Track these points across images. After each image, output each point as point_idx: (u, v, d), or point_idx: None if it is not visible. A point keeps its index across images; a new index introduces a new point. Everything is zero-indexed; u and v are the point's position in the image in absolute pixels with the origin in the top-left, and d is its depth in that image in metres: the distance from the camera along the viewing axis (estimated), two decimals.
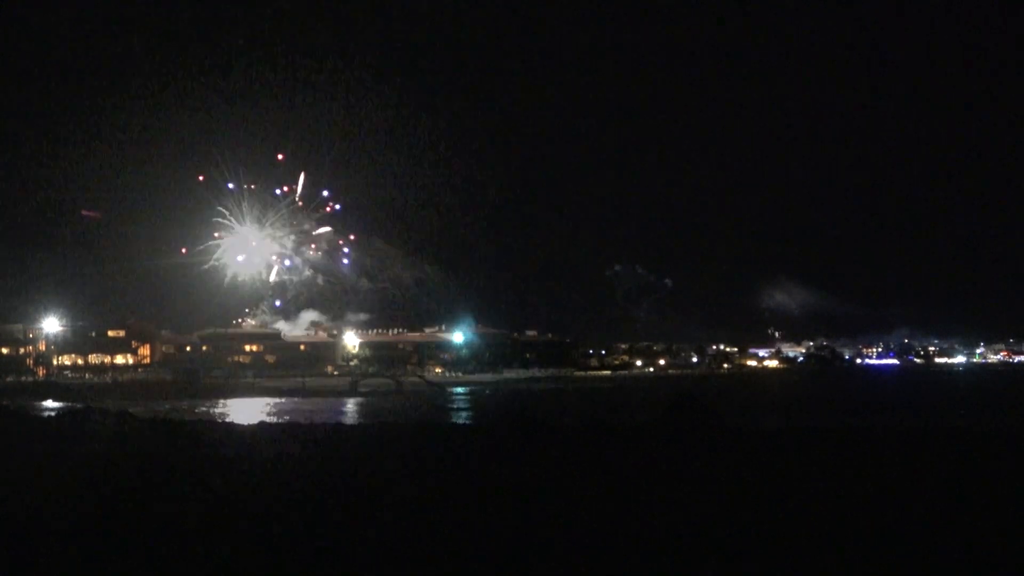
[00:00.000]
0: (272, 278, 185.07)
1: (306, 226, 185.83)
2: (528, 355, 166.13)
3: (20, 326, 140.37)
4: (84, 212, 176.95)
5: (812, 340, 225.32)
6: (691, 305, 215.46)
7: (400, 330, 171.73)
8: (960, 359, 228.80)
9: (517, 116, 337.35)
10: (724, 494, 15.47)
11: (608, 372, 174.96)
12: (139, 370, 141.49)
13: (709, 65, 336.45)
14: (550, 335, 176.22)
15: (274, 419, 50.92)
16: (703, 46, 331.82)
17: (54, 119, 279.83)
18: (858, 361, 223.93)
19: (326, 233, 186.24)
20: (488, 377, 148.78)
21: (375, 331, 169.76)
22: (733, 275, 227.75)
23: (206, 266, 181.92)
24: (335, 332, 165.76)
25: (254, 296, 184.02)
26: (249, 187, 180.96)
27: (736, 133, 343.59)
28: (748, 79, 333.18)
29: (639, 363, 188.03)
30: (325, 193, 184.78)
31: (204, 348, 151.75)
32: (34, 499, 15.58)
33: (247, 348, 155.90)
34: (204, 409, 78.23)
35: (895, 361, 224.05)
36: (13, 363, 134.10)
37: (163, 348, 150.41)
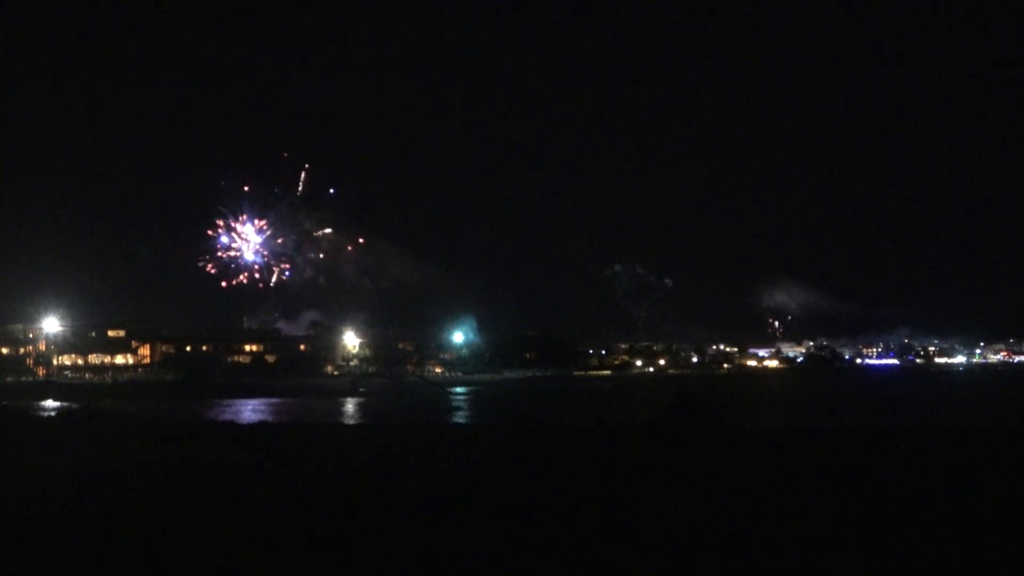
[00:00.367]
0: (273, 278, 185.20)
1: (307, 225, 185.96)
2: (528, 355, 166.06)
3: (20, 326, 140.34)
4: None
5: (812, 340, 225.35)
6: (691, 305, 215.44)
7: (400, 330, 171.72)
8: (960, 359, 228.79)
9: (518, 116, 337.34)
10: (724, 494, 15.47)
11: (608, 372, 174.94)
12: (139, 370, 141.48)
13: (709, 65, 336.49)
14: (550, 335, 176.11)
15: (274, 419, 50.91)
16: (703, 46, 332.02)
17: (54, 119, 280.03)
18: (858, 361, 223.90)
19: (328, 234, 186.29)
20: (488, 377, 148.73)
21: (375, 331, 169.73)
22: (733, 275, 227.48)
23: (207, 266, 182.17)
24: (335, 332, 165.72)
25: (255, 296, 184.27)
26: (249, 186, 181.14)
27: (736, 133, 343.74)
28: (748, 79, 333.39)
29: (639, 363, 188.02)
30: (331, 191, 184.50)
31: (204, 348, 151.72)
32: (34, 500, 15.57)
33: (247, 348, 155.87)
34: (204, 409, 78.18)
35: (895, 361, 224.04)
36: (13, 363, 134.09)
37: (163, 348, 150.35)
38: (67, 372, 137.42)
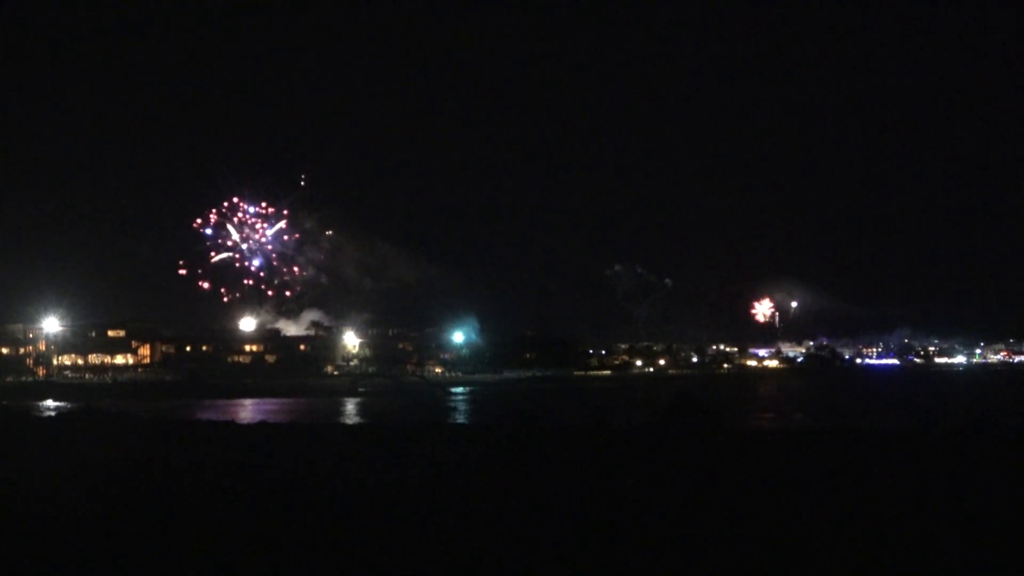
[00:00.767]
0: (275, 278, 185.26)
1: (307, 225, 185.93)
2: (528, 355, 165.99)
3: (20, 326, 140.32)
4: None
5: (812, 340, 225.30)
6: (691, 305, 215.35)
7: (400, 330, 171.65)
8: (960, 359, 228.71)
9: (518, 116, 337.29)
10: (723, 495, 15.47)
11: (608, 372, 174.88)
12: (139, 370, 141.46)
13: (709, 65, 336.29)
14: (550, 335, 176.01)
15: (274, 419, 50.93)
16: (703, 46, 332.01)
17: (55, 120, 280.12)
18: (858, 361, 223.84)
19: (329, 235, 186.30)
20: (488, 377, 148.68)
21: (375, 331, 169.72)
22: (733, 275, 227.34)
23: (208, 264, 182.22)
24: (335, 332, 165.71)
25: (255, 296, 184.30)
26: (250, 187, 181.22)
27: (736, 133, 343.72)
28: (748, 78, 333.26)
29: (639, 363, 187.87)
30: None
31: (204, 348, 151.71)
32: (34, 499, 15.58)
33: (247, 348, 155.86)
34: (204, 409, 78.17)
35: (895, 361, 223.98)
36: (13, 363, 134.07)
37: (163, 348, 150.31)
38: (67, 372, 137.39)
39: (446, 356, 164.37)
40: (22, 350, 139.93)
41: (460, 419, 66.41)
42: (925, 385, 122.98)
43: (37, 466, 20.18)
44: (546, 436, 25.57)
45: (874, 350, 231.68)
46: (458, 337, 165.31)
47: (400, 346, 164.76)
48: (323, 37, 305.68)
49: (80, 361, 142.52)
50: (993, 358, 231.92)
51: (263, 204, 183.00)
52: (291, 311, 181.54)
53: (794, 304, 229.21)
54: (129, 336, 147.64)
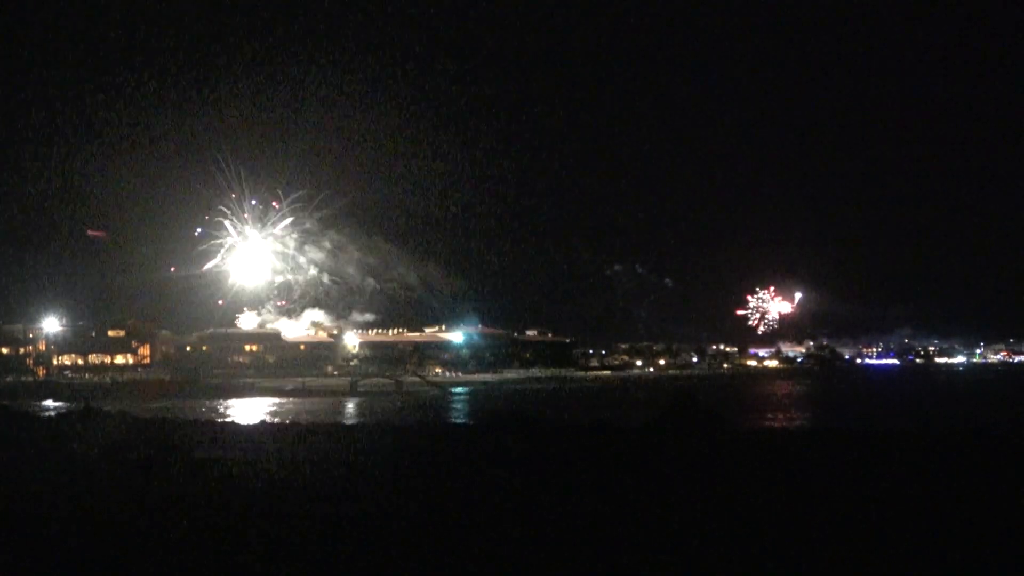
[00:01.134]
0: (276, 278, 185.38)
1: (308, 225, 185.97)
2: (528, 355, 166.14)
3: (20, 326, 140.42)
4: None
5: (813, 340, 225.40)
6: (691, 305, 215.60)
7: (400, 330, 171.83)
8: (960, 359, 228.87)
9: (518, 116, 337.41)
10: (724, 495, 15.47)
11: (608, 372, 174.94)
12: (139, 370, 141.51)
13: (709, 65, 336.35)
14: (550, 335, 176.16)
15: (274, 419, 50.92)
16: (703, 46, 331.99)
17: (55, 120, 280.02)
18: (858, 361, 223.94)
19: (331, 232, 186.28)
20: (488, 377, 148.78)
21: (375, 331, 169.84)
22: (733, 275, 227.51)
23: (207, 267, 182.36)
24: (335, 332, 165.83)
25: (256, 297, 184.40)
26: (251, 186, 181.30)
27: (736, 133, 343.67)
28: (749, 80, 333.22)
29: (639, 363, 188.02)
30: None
31: (204, 348, 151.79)
32: (34, 499, 15.58)
33: (247, 348, 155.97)
34: (204, 409, 78.17)
35: (895, 361, 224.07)
36: (13, 363, 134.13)
37: (163, 348, 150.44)
38: (67, 372, 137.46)
39: (446, 356, 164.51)
40: (22, 350, 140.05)
41: (459, 419, 66.39)
42: (924, 385, 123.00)
43: (37, 466, 20.17)
44: (546, 436, 25.56)
45: (874, 350, 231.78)
46: (458, 337, 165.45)
47: (400, 346, 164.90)
48: (324, 37, 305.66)
49: (80, 361, 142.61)
50: (993, 358, 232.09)
51: (263, 204, 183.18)
52: (292, 311, 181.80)
53: (798, 295, 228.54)
54: (129, 336, 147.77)
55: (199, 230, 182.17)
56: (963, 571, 11.07)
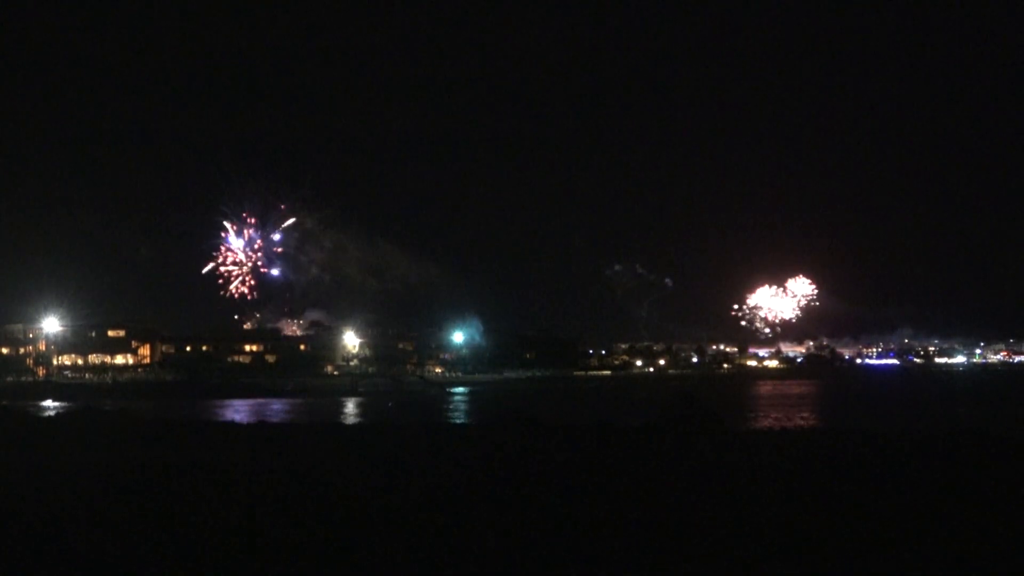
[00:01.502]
0: (277, 278, 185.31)
1: (309, 225, 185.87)
2: (528, 355, 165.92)
3: (20, 326, 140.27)
4: None
5: (813, 340, 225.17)
6: (691, 305, 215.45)
7: (400, 330, 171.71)
8: (960, 359, 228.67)
9: (519, 116, 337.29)
10: (723, 494, 15.46)
11: (608, 372, 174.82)
12: (139, 370, 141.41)
13: (709, 64, 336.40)
14: (550, 335, 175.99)
15: (273, 419, 50.92)
16: (703, 45, 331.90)
17: (55, 121, 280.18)
18: (858, 361, 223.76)
19: (331, 232, 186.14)
20: (488, 377, 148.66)
21: (375, 331, 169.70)
22: (733, 275, 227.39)
23: (208, 266, 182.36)
24: (335, 332, 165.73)
25: (257, 296, 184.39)
26: (251, 186, 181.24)
27: (737, 132, 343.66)
28: (748, 77, 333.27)
29: (639, 363, 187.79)
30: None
31: (204, 348, 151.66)
32: (34, 499, 15.57)
33: (247, 348, 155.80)
34: (204, 409, 78.15)
35: (895, 361, 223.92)
36: (13, 363, 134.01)
37: (163, 348, 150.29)
38: (67, 372, 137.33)
39: (446, 356, 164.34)
40: (22, 350, 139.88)
41: (459, 419, 66.38)
42: (924, 385, 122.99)
43: (37, 466, 20.16)
44: (546, 436, 25.57)
45: (874, 350, 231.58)
46: (458, 337, 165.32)
47: (400, 346, 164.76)
48: (325, 37, 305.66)
49: (80, 361, 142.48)
50: (993, 358, 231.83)
51: (264, 204, 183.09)
52: (293, 311, 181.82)
53: (799, 294, 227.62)
54: (129, 336, 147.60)
55: (200, 230, 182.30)
56: (963, 571, 11.07)
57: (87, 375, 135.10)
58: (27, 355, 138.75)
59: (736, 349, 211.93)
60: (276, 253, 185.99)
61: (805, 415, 65.72)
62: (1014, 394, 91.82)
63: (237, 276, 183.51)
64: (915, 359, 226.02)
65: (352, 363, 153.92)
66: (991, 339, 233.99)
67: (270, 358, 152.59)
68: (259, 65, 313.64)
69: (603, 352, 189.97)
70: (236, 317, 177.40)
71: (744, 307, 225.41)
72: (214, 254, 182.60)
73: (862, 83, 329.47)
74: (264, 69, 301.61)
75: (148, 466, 19.56)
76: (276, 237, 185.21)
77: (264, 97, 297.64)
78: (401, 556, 11.70)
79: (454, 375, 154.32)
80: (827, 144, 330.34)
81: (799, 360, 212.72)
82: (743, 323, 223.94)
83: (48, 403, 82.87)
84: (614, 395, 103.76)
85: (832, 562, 11.33)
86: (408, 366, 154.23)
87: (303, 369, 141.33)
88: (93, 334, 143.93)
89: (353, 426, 48.25)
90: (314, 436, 28.98)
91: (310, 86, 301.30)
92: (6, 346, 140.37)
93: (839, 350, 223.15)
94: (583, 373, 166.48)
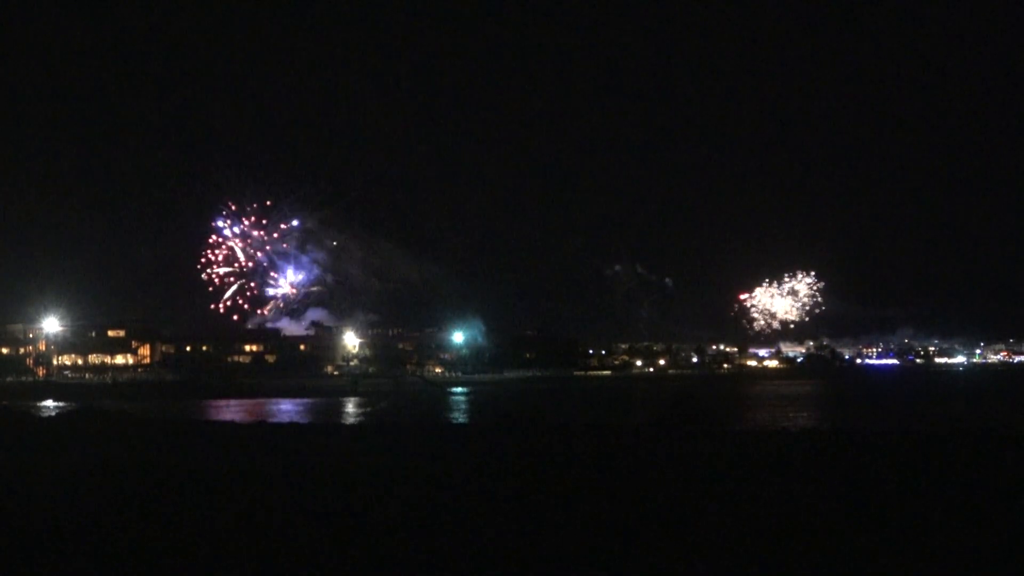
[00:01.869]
0: (278, 278, 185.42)
1: (310, 225, 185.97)
2: (528, 355, 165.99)
3: (20, 326, 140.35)
4: None
5: (813, 340, 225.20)
6: (691, 305, 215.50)
7: (400, 330, 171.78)
8: (960, 359, 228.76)
9: (519, 116, 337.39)
10: (723, 494, 15.47)
11: (608, 372, 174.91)
12: (139, 370, 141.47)
13: (710, 64, 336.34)
14: (550, 335, 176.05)
15: (273, 419, 50.93)
16: (702, 45, 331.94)
17: (55, 121, 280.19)
18: (858, 361, 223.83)
19: (332, 232, 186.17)
20: (488, 377, 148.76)
21: (375, 331, 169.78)
22: (733, 275, 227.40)
23: (208, 266, 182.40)
24: (335, 332, 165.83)
25: (258, 296, 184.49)
26: (252, 185, 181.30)
27: (737, 132, 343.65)
28: (748, 77, 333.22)
29: (639, 363, 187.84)
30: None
31: (204, 348, 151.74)
32: (34, 499, 15.58)
33: (247, 348, 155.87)
34: (203, 409, 78.19)
35: (895, 361, 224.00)
36: (13, 363, 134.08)
37: (163, 348, 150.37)
38: (67, 372, 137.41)
39: (446, 356, 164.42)
40: (22, 350, 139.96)
41: (459, 419, 66.40)
42: (924, 385, 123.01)
43: (37, 467, 20.17)
44: (546, 436, 25.58)
45: (874, 350, 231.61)
46: (458, 337, 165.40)
47: (400, 346, 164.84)
48: (326, 37, 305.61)
49: (80, 361, 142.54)
50: (993, 358, 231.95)
51: (265, 203, 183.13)
52: (295, 311, 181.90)
53: (813, 285, 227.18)
54: (129, 336, 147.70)
55: (200, 229, 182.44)
56: (964, 571, 11.08)
57: (87, 375, 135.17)
58: (27, 355, 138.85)
59: (736, 349, 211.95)
60: (277, 253, 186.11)
61: (805, 415, 65.73)
62: (1014, 394, 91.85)
63: (237, 276, 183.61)
64: (915, 359, 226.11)
65: (352, 363, 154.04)
66: (991, 339, 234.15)
67: (270, 358, 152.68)
68: (259, 65, 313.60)
69: (603, 352, 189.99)
70: (235, 317, 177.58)
71: (744, 304, 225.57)
72: (214, 254, 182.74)
73: (864, 82, 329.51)
74: (265, 69, 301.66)
75: (148, 466, 19.57)
76: (276, 237, 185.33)
77: (264, 97, 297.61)
78: (401, 556, 11.71)
79: (454, 375, 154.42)
80: (827, 145, 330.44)
81: (799, 360, 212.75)
82: (744, 320, 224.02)
83: (48, 403, 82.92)
84: (614, 395, 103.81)
85: (833, 562, 11.34)
86: (408, 366, 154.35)
87: (303, 369, 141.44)
88: (93, 334, 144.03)
89: (353, 426, 48.27)
90: (314, 436, 29.00)
91: (310, 86, 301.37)
92: (6, 346, 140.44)
93: (839, 350, 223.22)
94: (583, 373, 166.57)
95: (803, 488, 16.30)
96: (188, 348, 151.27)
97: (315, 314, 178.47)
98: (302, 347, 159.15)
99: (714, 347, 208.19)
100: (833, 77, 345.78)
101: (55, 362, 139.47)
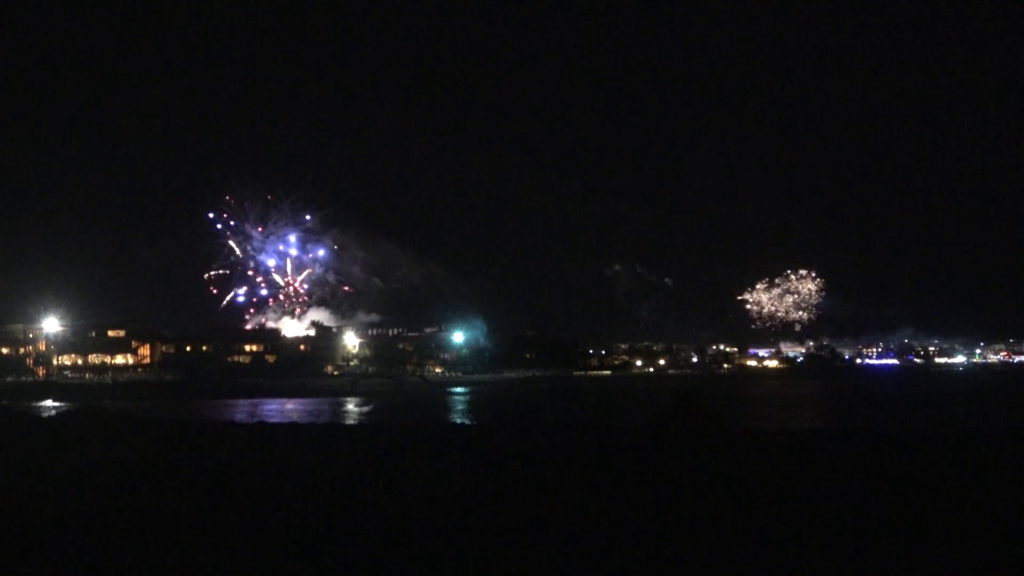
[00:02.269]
0: (279, 278, 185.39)
1: (311, 224, 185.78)
2: (528, 355, 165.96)
3: (20, 326, 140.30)
4: None
5: (813, 340, 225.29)
6: (691, 305, 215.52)
7: (400, 330, 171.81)
8: (960, 359, 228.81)
9: (519, 116, 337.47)
10: (725, 495, 15.46)
11: (608, 372, 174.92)
12: (139, 370, 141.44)
13: (708, 63, 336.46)
14: (550, 335, 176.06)
15: (273, 419, 50.92)
16: (702, 45, 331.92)
17: (55, 121, 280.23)
18: (858, 361, 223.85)
19: (333, 232, 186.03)
20: (488, 377, 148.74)
21: (375, 331, 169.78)
22: (733, 275, 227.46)
23: (208, 266, 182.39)
24: (335, 332, 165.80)
25: (258, 296, 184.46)
26: (253, 185, 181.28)
27: (737, 132, 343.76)
28: (748, 77, 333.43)
29: (639, 363, 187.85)
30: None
31: (204, 348, 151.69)
32: (34, 499, 15.57)
33: (247, 348, 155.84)
34: (204, 409, 78.17)
35: (895, 361, 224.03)
36: (13, 363, 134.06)
37: (163, 348, 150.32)
38: (67, 372, 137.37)
39: (446, 356, 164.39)
40: (22, 350, 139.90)
41: (459, 419, 66.41)
42: (924, 385, 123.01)
43: (37, 466, 20.16)
44: (546, 436, 25.56)
45: (874, 350, 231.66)
46: (458, 337, 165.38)
47: (400, 346, 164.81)
48: (327, 36, 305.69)
49: (80, 361, 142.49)
50: (993, 358, 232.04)
51: (266, 203, 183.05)
52: (296, 310, 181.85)
53: (814, 283, 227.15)
54: (129, 336, 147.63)
55: (201, 230, 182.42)
56: (964, 571, 11.07)
57: (87, 375, 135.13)
58: (27, 355, 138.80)
59: (736, 349, 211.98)
60: (277, 253, 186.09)
61: (805, 415, 65.73)
62: (1014, 394, 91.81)
63: (237, 276, 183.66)
64: (915, 359, 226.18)
65: (352, 363, 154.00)
66: (991, 339, 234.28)
67: (270, 358, 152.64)
68: (260, 65, 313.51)
69: (603, 352, 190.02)
70: (236, 317, 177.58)
71: (744, 304, 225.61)
72: (214, 254, 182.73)
73: (864, 82, 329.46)
74: (265, 69, 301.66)
75: (148, 466, 19.55)
76: (277, 237, 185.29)
77: (264, 97, 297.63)
78: (400, 556, 11.70)
79: (454, 375, 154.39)
80: (827, 145, 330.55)
81: (799, 360, 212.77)
82: (744, 320, 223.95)
83: (48, 403, 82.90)
84: (614, 395, 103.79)
85: (833, 562, 11.33)
86: (408, 366, 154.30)
87: (303, 369, 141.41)
88: (93, 334, 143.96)
89: (351, 427, 48.22)
90: (313, 436, 28.97)
91: (310, 86, 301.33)
92: (6, 346, 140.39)
93: (839, 350, 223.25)
94: (583, 373, 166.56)
95: (802, 488, 16.29)
96: (188, 348, 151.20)
97: (315, 314, 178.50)
98: (302, 347, 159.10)
99: (714, 347, 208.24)
100: (833, 77, 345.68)
101: (55, 362, 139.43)
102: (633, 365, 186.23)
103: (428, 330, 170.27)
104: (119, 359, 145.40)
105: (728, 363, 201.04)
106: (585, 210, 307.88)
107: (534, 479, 17.36)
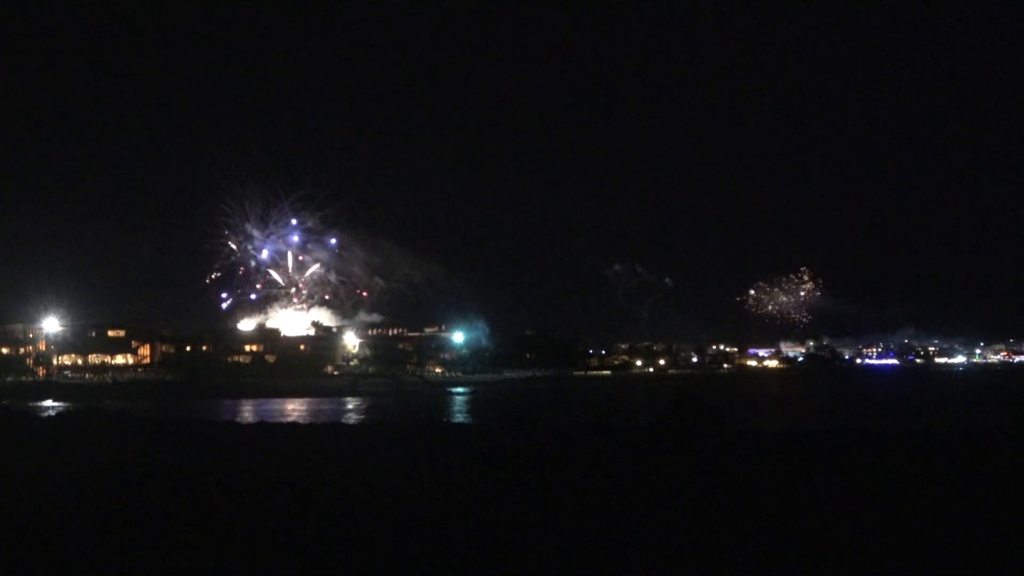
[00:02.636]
0: (280, 278, 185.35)
1: (312, 224, 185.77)
2: (528, 355, 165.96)
3: (20, 326, 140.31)
4: None
5: (814, 340, 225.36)
6: (691, 305, 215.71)
7: (400, 330, 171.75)
8: (960, 359, 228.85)
9: (519, 117, 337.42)
10: (725, 496, 15.46)
11: (608, 372, 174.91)
12: (139, 370, 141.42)
13: (709, 63, 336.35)
14: (550, 335, 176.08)
15: (273, 419, 50.91)
16: (702, 45, 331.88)
17: (55, 121, 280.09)
18: (858, 361, 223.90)
19: (333, 232, 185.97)
20: (488, 377, 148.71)
21: (375, 331, 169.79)
22: (733, 275, 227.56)
23: (208, 266, 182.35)
24: (335, 332, 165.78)
25: (258, 296, 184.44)
26: (253, 186, 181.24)
27: (737, 132, 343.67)
28: (748, 77, 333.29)
29: (639, 363, 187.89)
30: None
31: (204, 348, 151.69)
32: (34, 499, 15.57)
33: (247, 348, 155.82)
34: (204, 409, 78.13)
35: (895, 361, 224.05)
36: (13, 363, 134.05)
37: (163, 348, 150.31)
38: (67, 372, 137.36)
39: (446, 356, 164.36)
40: (22, 350, 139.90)
41: (459, 419, 66.38)
42: (924, 385, 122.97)
43: (37, 466, 20.16)
44: (546, 436, 25.55)
45: (874, 350, 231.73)
46: (458, 337, 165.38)
47: (400, 346, 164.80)
48: (328, 37, 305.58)
49: (80, 361, 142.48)
50: (993, 358, 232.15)
51: (266, 203, 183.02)
52: (297, 310, 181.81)
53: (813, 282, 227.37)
54: (129, 336, 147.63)
55: (201, 230, 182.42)
56: (964, 571, 11.07)
57: (87, 375, 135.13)
58: (27, 355, 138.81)
59: (736, 349, 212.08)
60: (277, 253, 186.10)
61: (805, 415, 65.69)
62: (1014, 394, 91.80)
63: (238, 276, 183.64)
64: (915, 359, 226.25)
65: (352, 363, 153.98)
66: (991, 339, 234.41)
67: (270, 358, 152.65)
68: (260, 65, 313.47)
69: (603, 352, 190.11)
70: (236, 317, 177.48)
71: (744, 303, 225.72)
72: (214, 254, 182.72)
73: (864, 83, 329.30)
74: (265, 69, 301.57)
75: (148, 466, 19.55)
76: (277, 237, 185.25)
77: (265, 97, 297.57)
78: (401, 556, 11.70)
79: (454, 375, 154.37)
80: (827, 145, 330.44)
81: (799, 360, 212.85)
82: (744, 320, 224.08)
83: (48, 403, 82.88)
84: (614, 395, 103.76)
85: (833, 562, 11.33)
86: (408, 366, 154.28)
87: (303, 369, 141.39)
88: (93, 334, 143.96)
89: (352, 427, 48.21)
90: (313, 436, 28.96)
91: (311, 85, 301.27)
92: (6, 346, 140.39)
93: (839, 350, 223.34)
94: (583, 373, 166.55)
95: (802, 488, 16.29)
96: (188, 348, 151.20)
97: (315, 314, 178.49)
98: (302, 347, 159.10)
99: (714, 347, 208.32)
100: (833, 77, 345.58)
101: (55, 362, 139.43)
102: (633, 365, 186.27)
103: (428, 330, 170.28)
104: (119, 359, 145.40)
105: (728, 363, 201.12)
106: (585, 210, 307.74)
107: (534, 479, 17.36)
